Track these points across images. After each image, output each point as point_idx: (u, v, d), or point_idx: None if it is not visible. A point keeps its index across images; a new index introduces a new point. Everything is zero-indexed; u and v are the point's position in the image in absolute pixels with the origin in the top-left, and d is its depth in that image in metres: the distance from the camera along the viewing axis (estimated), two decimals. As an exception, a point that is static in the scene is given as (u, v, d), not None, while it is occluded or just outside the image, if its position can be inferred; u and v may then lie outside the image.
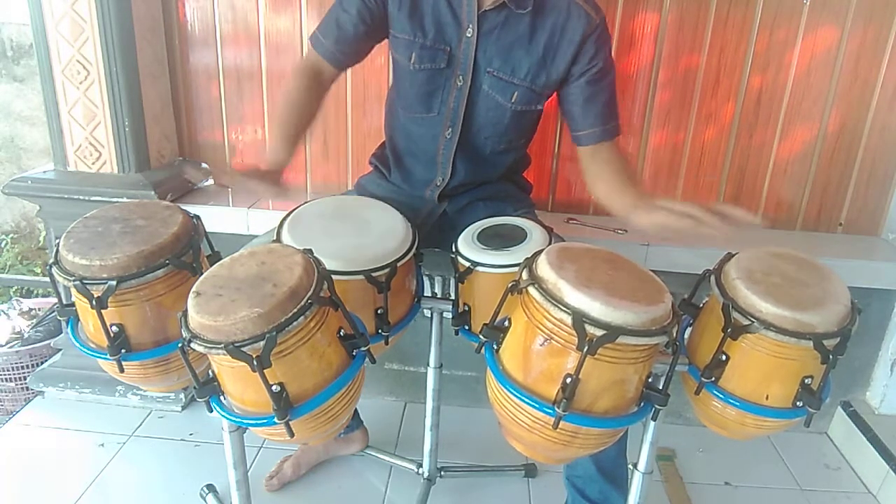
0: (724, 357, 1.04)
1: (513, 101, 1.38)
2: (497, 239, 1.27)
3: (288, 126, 1.35)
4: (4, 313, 2.34)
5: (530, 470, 1.84)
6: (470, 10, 1.31)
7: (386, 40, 1.42)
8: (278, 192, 1.22)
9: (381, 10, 1.35)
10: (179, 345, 0.90)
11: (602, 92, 1.37)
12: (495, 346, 1.04)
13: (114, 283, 1.01)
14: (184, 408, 2.04)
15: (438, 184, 1.49)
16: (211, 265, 1.00)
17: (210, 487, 1.68)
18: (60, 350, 2.06)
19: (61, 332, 2.13)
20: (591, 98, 1.37)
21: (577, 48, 1.33)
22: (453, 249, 1.29)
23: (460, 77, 1.37)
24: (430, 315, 1.47)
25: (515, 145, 1.51)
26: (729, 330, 1.02)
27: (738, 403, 1.05)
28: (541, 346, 0.95)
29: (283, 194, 1.24)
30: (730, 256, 1.13)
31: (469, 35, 1.33)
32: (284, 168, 1.30)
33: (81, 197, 1.82)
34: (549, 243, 1.22)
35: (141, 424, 1.97)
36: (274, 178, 1.25)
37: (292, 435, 0.94)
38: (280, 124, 1.38)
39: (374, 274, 1.15)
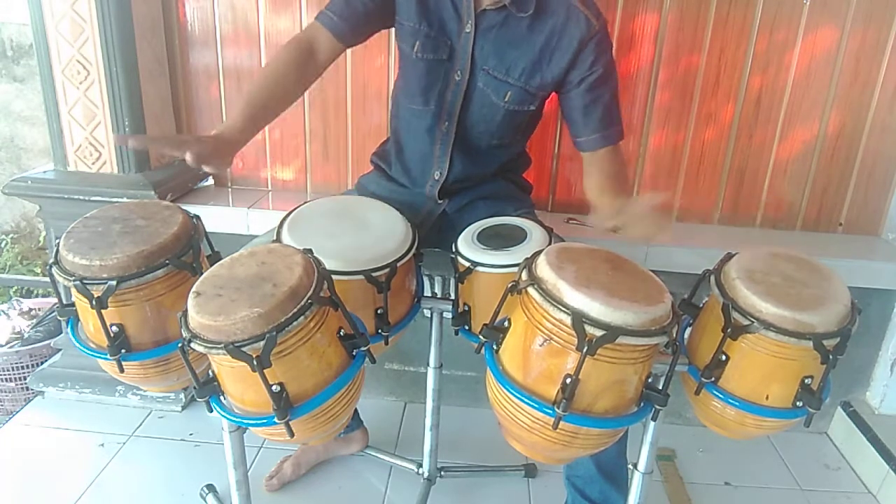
0: (723, 357, 1.04)
1: (506, 100, 1.39)
2: (497, 239, 1.27)
3: (255, 99, 1.23)
4: (4, 313, 2.34)
5: (530, 470, 1.84)
6: (469, 7, 1.32)
7: (388, 29, 1.42)
8: (211, 161, 1.10)
9: None
10: (179, 345, 0.90)
11: (602, 98, 1.36)
12: (495, 347, 1.04)
13: (114, 283, 1.01)
14: (184, 408, 2.04)
15: (437, 178, 1.49)
16: (211, 265, 1.00)
17: (210, 487, 1.68)
18: (60, 350, 2.06)
19: (61, 332, 2.13)
20: (592, 104, 1.36)
21: (575, 53, 1.33)
22: (453, 249, 1.29)
23: (458, 72, 1.38)
24: (430, 315, 1.47)
25: (510, 141, 1.51)
26: (729, 330, 1.02)
27: (737, 403, 1.05)
28: (540, 346, 0.95)
29: (213, 163, 1.11)
30: (730, 256, 1.13)
31: (468, 31, 1.33)
32: (230, 144, 1.16)
33: (81, 197, 1.81)
34: (549, 243, 1.22)
35: (141, 424, 1.97)
36: (209, 145, 1.11)
37: (292, 435, 0.94)
38: (247, 96, 1.23)
39: (374, 274, 1.15)
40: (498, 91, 1.38)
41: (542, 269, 0.97)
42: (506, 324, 1.03)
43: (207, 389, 0.97)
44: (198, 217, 1.19)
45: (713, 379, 1.06)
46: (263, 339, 0.85)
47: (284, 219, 1.26)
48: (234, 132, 1.18)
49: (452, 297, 1.33)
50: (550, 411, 0.94)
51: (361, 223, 1.29)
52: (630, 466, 1.26)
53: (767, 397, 1.04)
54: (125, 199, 1.72)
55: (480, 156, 1.49)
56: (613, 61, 1.37)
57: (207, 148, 1.11)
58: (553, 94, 1.43)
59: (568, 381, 0.92)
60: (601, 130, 1.38)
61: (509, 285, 1.01)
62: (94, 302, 1.02)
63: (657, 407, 1.02)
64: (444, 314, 1.38)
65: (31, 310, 2.39)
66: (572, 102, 1.38)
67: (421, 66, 1.39)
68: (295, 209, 1.30)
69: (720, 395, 1.06)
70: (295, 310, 0.89)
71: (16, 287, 2.68)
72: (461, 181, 1.50)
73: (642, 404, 1.02)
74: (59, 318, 1.34)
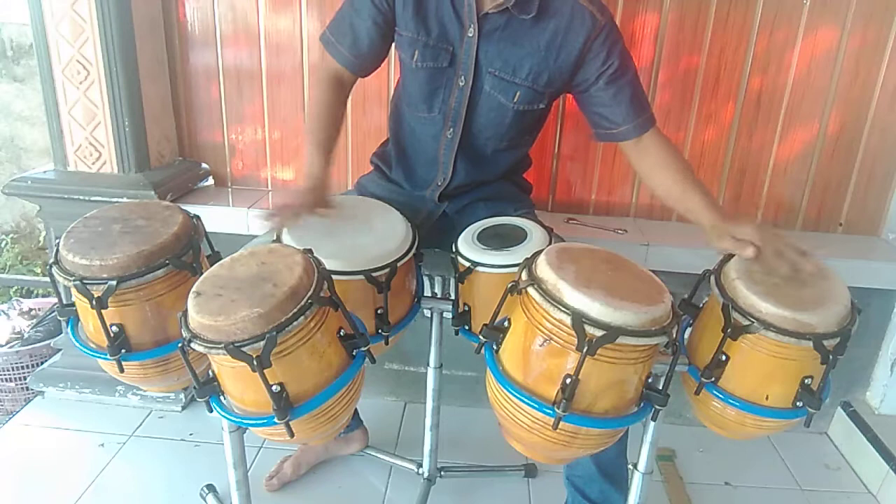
0: (723, 357, 1.04)
1: (515, 100, 1.38)
2: (497, 239, 1.27)
3: (320, 136, 1.35)
4: (4, 313, 2.34)
5: (530, 470, 1.84)
6: (471, 11, 1.31)
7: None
8: (324, 210, 1.23)
9: (391, 10, 1.35)
10: (179, 345, 0.90)
11: (625, 88, 1.34)
12: (495, 347, 1.04)
13: (114, 283, 1.01)
14: (184, 408, 2.04)
15: (439, 184, 1.49)
16: (211, 265, 1.00)
17: (210, 487, 1.68)
18: (60, 350, 2.07)
19: (61, 332, 2.13)
20: (617, 96, 1.34)
21: (583, 50, 1.32)
22: (453, 249, 1.29)
23: (462, 77, 1.37)
24: (430, 315, 1.47)
25: (517, 143, 1.50)
26: (729, 330, 1.02)
27: (737, 404, 1.05)
28: (540, 346, 0.95)
29: (327, 207, 1.24)
30: (730, 256, 1.13)
31: (470, 35, 1.33)
32: (324, 180, 1.30)
33: (81, 197, 1.82)
34: (549, 243, 1.22)
35: (141, 424, 1.97)
36: (317, 196, 1.25)
37: (292, 435, 0.94)
38: (313, 138, 1.36)
39: (374, 274, 1.15)
40: (506, 92, 1.37)
41: (543, 269, 0.96)
42: (506, 324, 1.03)
43: (207, 389, 0.97)
44: (198, 217, 1.20)
45: (713, 379, 1.06)
46: (263, 339, 0.85)
47: (284, 219, 1.26)
48: (322, 173, 1.31)
49: (452, 297, 1.33)
50: (550, 411, 0.94)
51: (361, 223, 1.29)
52: (630, 466, 1.26)
53: (767, 397, 1.04)
54: (125, 199, 1.73)
55: (485, 161, 1.48)
56: (627, 51, 1.36)
57: (320, 199, 1.25)
58: (558, 94, 1.43)
59: (568, 381, 0.92)
60: (632, 120, 1.35)
61: (509, 285, 1.01)
62: (94, 302, 1.02)
63: (657, 407, 1.02)
64: (444, 314, 1.38)
65: (31, 310, 2.39)
66: (596, 99, 1.36)
67: (421, 75, 1.38)
68: (295, 209, 1.30)
69: (720, 396, 1.06)
70: (295, 310, 0.89)
71: (16, 287, 2.68)
72: (464, 186, 1.50)
73: (642, 404, 1.02)
74: (59, 318, 1.34)
